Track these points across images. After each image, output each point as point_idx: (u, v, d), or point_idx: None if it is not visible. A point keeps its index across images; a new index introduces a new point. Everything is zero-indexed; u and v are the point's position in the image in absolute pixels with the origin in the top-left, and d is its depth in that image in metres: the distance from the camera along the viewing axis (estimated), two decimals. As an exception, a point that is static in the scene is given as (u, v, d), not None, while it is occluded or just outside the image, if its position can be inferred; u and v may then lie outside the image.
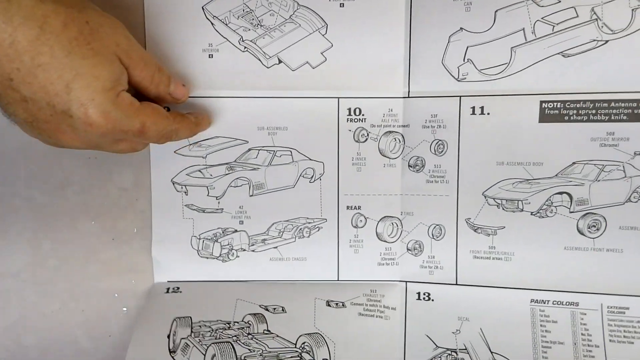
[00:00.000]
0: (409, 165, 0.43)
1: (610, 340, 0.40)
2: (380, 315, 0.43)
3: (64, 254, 0.45)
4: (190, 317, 0.43)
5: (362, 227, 0.44)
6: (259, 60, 0.43)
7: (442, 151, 0.43)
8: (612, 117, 0.39)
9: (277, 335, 0.42)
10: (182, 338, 0.42)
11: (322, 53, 0.43)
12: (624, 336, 0.40)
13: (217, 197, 0.45)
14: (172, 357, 0.41)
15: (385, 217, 0.44)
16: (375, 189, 0.44)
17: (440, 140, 0.43)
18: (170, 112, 0.40)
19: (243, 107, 0.43)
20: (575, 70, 0.39)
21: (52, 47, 0.32)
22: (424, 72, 0.42)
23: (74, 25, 0.33)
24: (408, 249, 0.44)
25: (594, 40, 0.39)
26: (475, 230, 0.43)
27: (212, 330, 0.42)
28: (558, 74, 0.39)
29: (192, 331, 0.42)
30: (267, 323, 0.43)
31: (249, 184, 0.44)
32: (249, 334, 0.42)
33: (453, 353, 0.41)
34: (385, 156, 0.44)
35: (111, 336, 0.46)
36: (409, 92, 0.42)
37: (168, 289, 0.45)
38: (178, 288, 0.45)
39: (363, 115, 0.43)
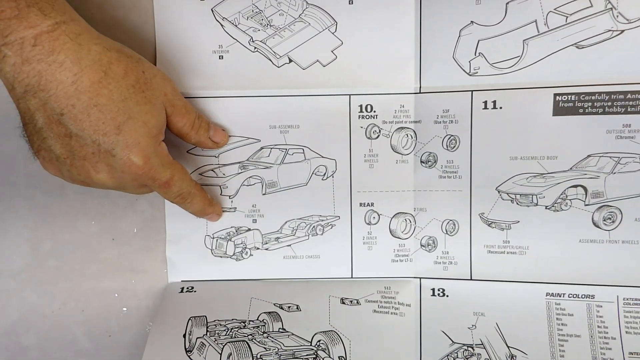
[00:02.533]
0: (422, 161, 0.43)
1: (626, 332, 0.40)
2: (395, 312, 0.43)
3: (64, 254, 0.46)
4: (206, 317, 0.43)
5: (375, 223, 0.44)
6: (270, 60, 0.43)
7: (454, 146, 0.43)
8: (629, 109, 0.39)
9: (293, 334, 0.42)
10: (198, 337, 0.42)
11: (332, 51, 0.43)
12: None
13: (230, 196, 0.45)
14: (189, 356, 0.41)
15: (398, 213, 0.44)
16: (388, 186, 0.44)
17: (452, 135, 0.42)
18: (194, 180, 0.42)
19: (255, 106, 0.43)
20: (590, 61, 0.39)
21: (112, 90, 0.35)
22: (435, 67, 0.41)
23: (132, 74, 0.36)
24: (422, 245, 0.44)
25: (609, 30, 0.38)
26: (489, 225, 0.43)
27: (228, 329, 0.42)
28: (572, 65, 0.39)
29: (207, 330, 0.42)
30: (282, 321, 0.43)
31: (261, 183, 0.44)
32: (264, 332, 0.42)
33: (470, 348, 0.41)
34: (397, 152, 0.43)
35: (111, 336, 0.46)
36: (420, 87, 0.42)
37: (182, 288, 0.45)
38: (192, 288, 0.45)
39: (375, 111, 0.43)
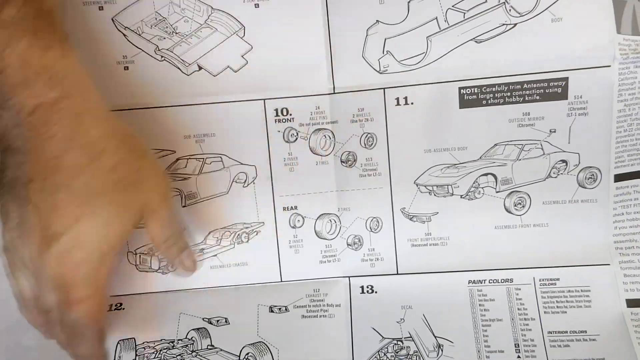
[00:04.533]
0: (342, 161, 0.43)
1: (545, 312, 0.42)
2: (324, 315, 0.43)
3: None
4: (134, 339, 0.42)
5: (300, 226, 0.44)
6: (178, 68, 0.42)
7: (371, 144, 0.43)
8: (526, 98, 0.41)
9: (221, 349, 0.42)
10: None
11: (242, 56, 0.42)
12: (557, 306, 0.42)
13: (148, 211, 0.43)
14: None
15: (322, 214, 0.44)
16: (310, 188, 0.44)
17: (369, 133, 0.43)
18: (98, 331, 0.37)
19: (167, 116, 0.42)
20: (488, 55, 0.40)
21: (89, 181, 0.33)
22: (346, 67, 0.42)
23: (122, 169, 0.34)
24: (348, 244, 0.44)
25: (503, 24, 0.40)
26: (410, 219, 0.44)
27: (157, 351, 0.41)
28: (473, 59, 0.41)
29: (136, 354, 0.41)
30: (210, 338, 0.42)
31: (180, 195, 0.43)
32: (193, 351, 0.42)
33: (399, 342, 0.42)
34: (316, 154, 0.43)
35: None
36: (334, 88, 0.42)
37: (111, 305, 0.43)
38: (120, 304, 0.44)
39: (291, 115, 0.43)
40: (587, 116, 0.41)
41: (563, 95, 0.41)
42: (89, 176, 0.33)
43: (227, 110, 0.42)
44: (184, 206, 0.43)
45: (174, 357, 0.41)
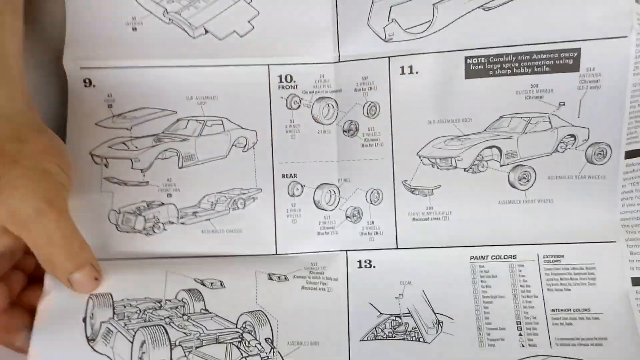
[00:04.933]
0: (344, 130, 0.43)
1: (548, 290, 0.40)
2: (323, 288, 0.41)
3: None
4: (111, 294, 0.36)
5: (299, 195, 0.43)
6: (185, 31, 0.42)
7: (374, 113, 0.42)
8: (535, 69, 0.40)
9: (216, 315, 0.38)
10: (103, 322, 0.35)
11: (249, 21, 0.42)
12: (561, 284, 0.40)
13: (142, 169, 0.42)
14: (92, 346, 0.35)
15: (322, 184, 0.43)
16: (311, 156, 0.43)
17: (372, 102, 0.42)
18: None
19: (170, 76, 0.42)
20: (496, 23, 0.40)
21: None
22: (352, 36, 0.42)
23: None
24: (347, 217, 0.43)
25: None
26: (412, 192, 0.42)
27: (140, 310, 0.36)
28: (480, 28, 0.40)
29: (114, 312, 0.36)
30: (204, 301, 0.38)
31: (178, 156, 0.42)
32: (183, 314, 0.37)
33: (397, 318, 0.40)
34: (319, 122, 0.43)
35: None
36: (339, 56, 0.42)
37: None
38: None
39: (295, 82, 0.42)
40: (599, 90, 0.40)
41: (575, 67, 0.40)
42: None
43: (231, 74, 0.42)
44: (180, 168, 0.42)
45: (161, 319, 0.36)
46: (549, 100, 0.41)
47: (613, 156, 0.40)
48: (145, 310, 0.37)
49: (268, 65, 0.42)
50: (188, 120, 0.42)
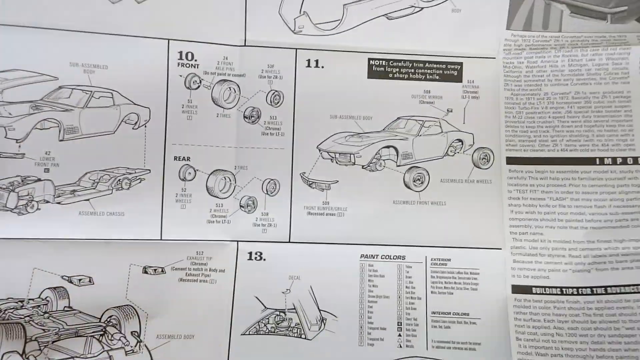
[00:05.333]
0: (245, 116, 0.41)
1: (432, 292, 0.41)
2: (204, 280, 0.39)
3: None
4: None
5: (190, 180, 0.41)
6: (78, -9, 0.38)
7: (278, 102, 0.42)
8: (427, 77, 0.43)
9: (80, 312, 0.37)
10: None
11: (152, -11, 0.40)
12: (445, 287, 0.41)
13: (17, 140, 0.38)
14: None
15: (217, 170, 0.41)
16: (208, 140, 0.41)
17: (276, 91, 0.42)
18: None
19: (53, 39, 0.38)
20: (398, 32, 0.42)
21: None
22: (261, 21, 0.41)
23: None
24: (241, 206, 0.41)
25: (412, 6, 0.42)
26: (310, 185, 0.42)
27: (1, 310, 0.36)
28: (383, 34, 0.42)
29: None
30: (69, 298, 0.37)
31: (59, 127, 0.38)
32: (45, 312, 0.36)
33: (282, 313, 0.39)
34: (219, 105, 0.41)
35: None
36: (245, 40, 0.41)
37: None
38: None
39: (196, 60, 0.41)
40: (479, 100, 0.43)
41: (458, 78, 0.43)
42: None
43: (126, 44, 0.39)
44: (61, 140, 0.38)
45: (20, 318, 0.35)
46: (439, 106, 0.43)
47: (496, 161, 0.42)
48: (5, 310, 0.36)
49: (168, 40, 0.40)
50: (72, 89, 0.39)
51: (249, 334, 0.38)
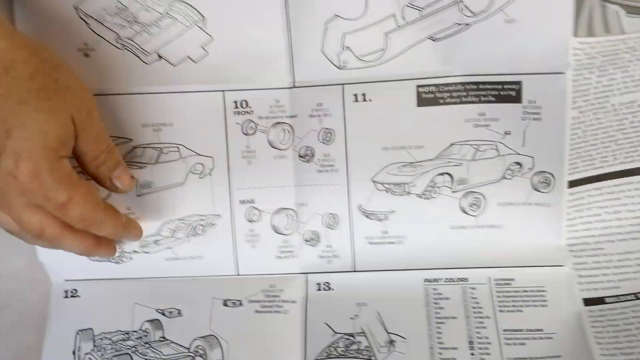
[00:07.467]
0: (300, 156, 0.43)
1: (500, 311, 0.41)
2: (278, 311, 0.43)
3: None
4: (92, 329, 0.42)
5: (257, 220, 0.44)
6: (138, 57, 0.41)
7: (329, 139, 0.43)
8: (482, 99, 0.41)
9: (172, 342, 0.42)
10: (86, 353, 0.42)
11: (202, 47, 0.42)
12: (513, 305, 0.41)
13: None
14: None
15: (280, 209, 0.44)
16: (268, 182, 0.43)
17: (327, 129, 0.43)
18: (105, 202, 0.37)
19: (125, 104, 0.42)
20: (444, 53, 0.40)
21: (10, 91, 0.32)
22: (306, 62, 0.42)
23: (41, 78, 0.33)
24: (305, 240, 0.44)
25: (457, 23, 0.40)
26: (367, 217, 0.43)
27: (113, 342, 0.42)
28: (430, 57, 0.40)
29: (94, 345, 0.42)
30: (163, 329, 0.42)
31: (135, 184, 0.43)
32: (146, 342, 0.42)
33: (351, 337, 0.42)
34: (275, 148, 0.43)
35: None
36: (294, 82, 0.42)
37: (66, 292, 0.44)
38: (75, 291, 0.44)
39: (250, 107, 0.43)
40: (541, 122, 0.40)
41: (517, 99, 0.40)
42: (8, 87, 0.32)
43: (186, 100, 0.42)
44: (138, 195, 0.43)
45: (128, 349, 0.42)
46: (496, 128, 0.41)
47: (557, 185, 0.41)
48: (117, 341, 0.42)
49: (223, 91, 0.42)
50: (144, 147, 0.43)
51: (321, 358, 0.41)
